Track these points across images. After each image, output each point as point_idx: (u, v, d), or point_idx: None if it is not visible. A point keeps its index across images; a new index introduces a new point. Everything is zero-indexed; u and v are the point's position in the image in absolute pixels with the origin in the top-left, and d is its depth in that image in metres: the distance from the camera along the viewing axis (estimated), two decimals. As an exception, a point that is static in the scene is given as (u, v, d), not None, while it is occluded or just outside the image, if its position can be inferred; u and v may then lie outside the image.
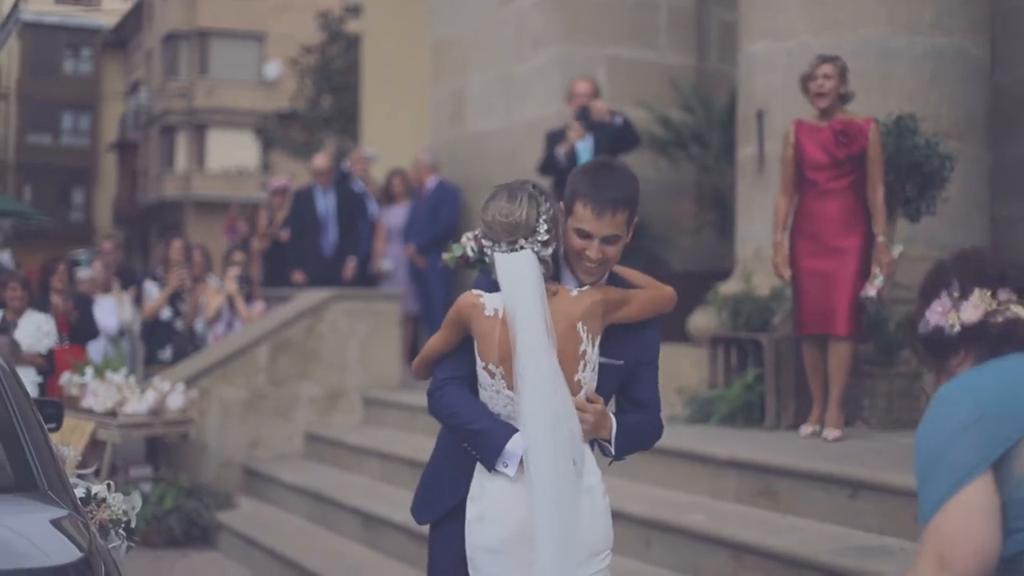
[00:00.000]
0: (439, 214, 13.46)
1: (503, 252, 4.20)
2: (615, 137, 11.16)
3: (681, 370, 9.73)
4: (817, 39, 9.07)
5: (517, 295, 4.17)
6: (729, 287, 9.58)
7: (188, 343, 13.13)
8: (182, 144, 52.22)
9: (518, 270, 4.19)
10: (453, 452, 4.49)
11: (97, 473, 9.53)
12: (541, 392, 4.12)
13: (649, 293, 4.51)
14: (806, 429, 8.17)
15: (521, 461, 4.19)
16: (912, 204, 8.21)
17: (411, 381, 12.53)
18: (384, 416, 11.59)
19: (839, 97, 8.01)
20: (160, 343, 13.19)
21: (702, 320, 9.83)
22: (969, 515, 2.80)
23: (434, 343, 4.48)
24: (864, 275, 7.90)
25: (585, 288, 4.31)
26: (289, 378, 11.78)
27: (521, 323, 4.14)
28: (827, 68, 7.93)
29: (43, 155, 61.15)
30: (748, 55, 9.84)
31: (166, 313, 13.16)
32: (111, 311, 13.25)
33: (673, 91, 12.70)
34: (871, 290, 7.81)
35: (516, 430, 4.23)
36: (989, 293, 2.97)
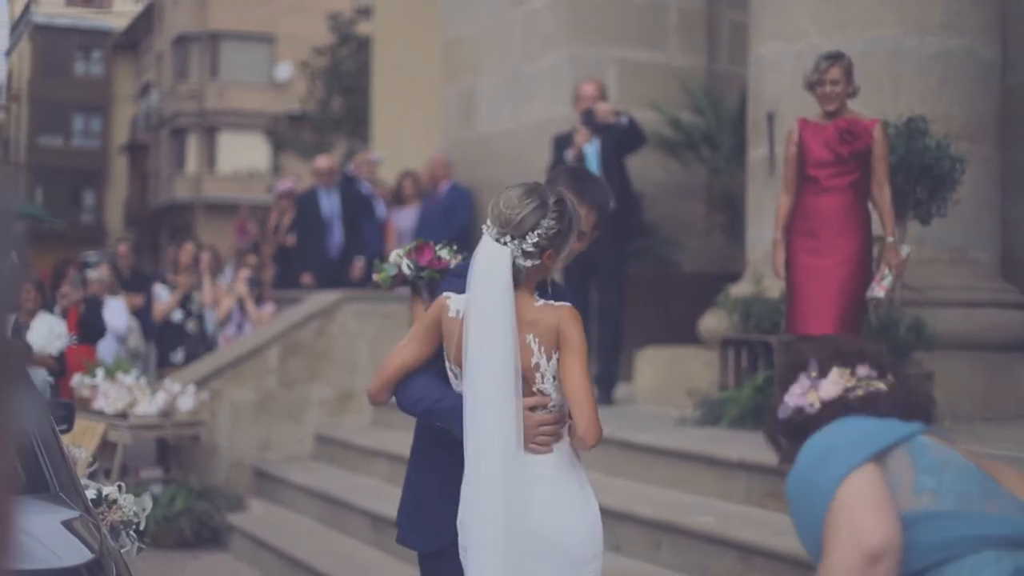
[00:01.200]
0: (453, 217, 13.45)
1: (490, 237, 4.22)
2: (621, 138, 11.15)
3: (691, 372, 9.73)
4: (827, 40, 9.06)
5: (479, 286, 4.19)
6: (739, 289, 9.58)
7: (200, 345, 13.15)
8: (193, 146, 52.29)
9: (490, 261, 4.19)
10: (437, 477, 4.53)
11: (108, 474, 9.56)
12: (485, 390, 4.13)
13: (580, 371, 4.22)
14: None
15: None
16: (923, 206, 8.20)
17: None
18: (393, 418, 11.58)
19: (846, 95, 8.01)
20: (172, 346, 13.22)
21: (712, 322, 9.83)
22: (863, 496, 2.79)
23: (397, 360, 4.46)
24: (862, 276, 7.87)
25: (551, 303, 4.25)
26: (299, 380, 11.79)
27: (478, 317, 4.15)
28: (834, 73, 7.88)
29: (54, 157, 61.23)
30: (758, 56, 9.83)
31: (177, 315, 13.18)
32: (120, 312, 13.26)
33: (683, 93, 12.70)
34: (879, 290, 7.79)
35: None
36: (848, 371, 3.04)
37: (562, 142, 11.38)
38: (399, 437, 11.06)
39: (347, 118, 30.37)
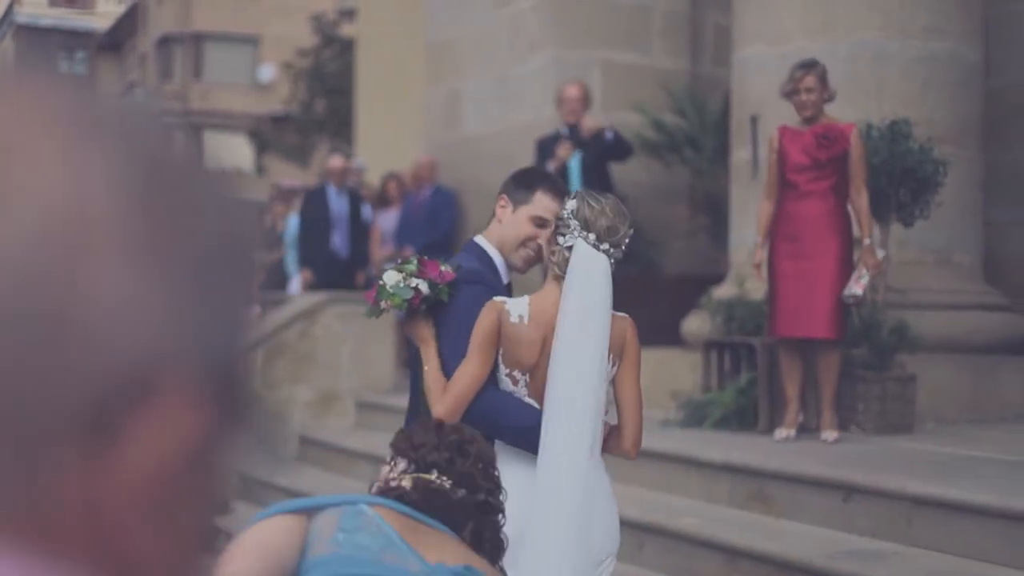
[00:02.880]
0: (438, 219, 13.44)
1: (587, 244, 4.31)
2: (606, 151, 11.17)
3: (675, 374, 9.74)
4: (811, 43, 9.08)
5: (583, 290, 4.29)
6: (723, 291, 9.59)
7: None
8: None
9: (595, 268, 4.32)
10: None
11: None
12: (580, 394, 4.21)
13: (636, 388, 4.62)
14: (781, 434, 8.17)
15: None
16: (906, 209, 8.24)
17: (404, 384, 12.50)
18: (377, 419, 11.58)
19: (822, 102, 8.05)
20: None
21: (696, 324, 9.84)
22: (253, 539, 3.13)
23: (469, 376, 4.40)
24: (844, 278, 7.91)
25: (615, 312, 4.39)
26: (283, 381, 11.77)
27: (576, 322, 4.23)
28: (808, 81, 7.95)
29: (37, 158, 61.01)
30: (742, 59, 9.85)
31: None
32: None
33: (667, 95, 12.70)
34: (856, 288, 7.82)
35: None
36: (400, 463, 3.27)
37: (545, 145, 11.38)
38: (383, 439, 11.01)
39: (330, 120, 30.32)
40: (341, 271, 13.71)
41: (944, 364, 8.79)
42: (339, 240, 13.91)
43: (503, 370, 4.36)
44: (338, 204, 13.94)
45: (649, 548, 7.19)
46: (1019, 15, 10.53)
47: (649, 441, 8.36)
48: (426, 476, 3.19)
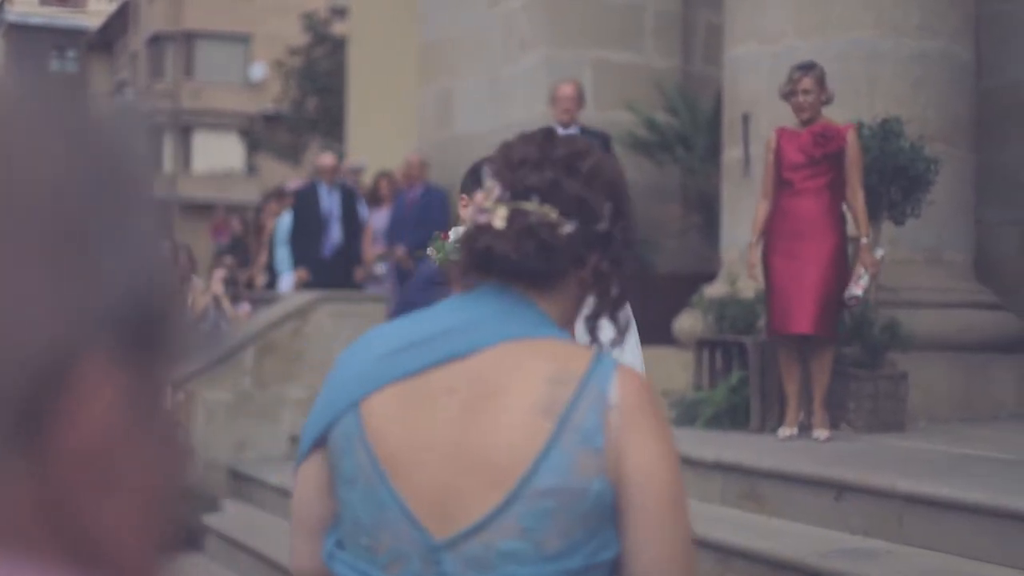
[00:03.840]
0: (429, 218, 13.43)
1: None
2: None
3: (667, 373, 9.74)
4: (804, 41, 9.09)
5: None
6: (714, 290, 9.60)
7: None
8: (167, 146, 52.15)
9: None
10: None
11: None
12: None
13: None
14: (784, 432, 8.19)
15: None
16: (897, 207, 8.25)
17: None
18: (370, 418, 11.58)
19: (820, 104, 8.07)
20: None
21: (688, 323, 9.85)
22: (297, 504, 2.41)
23: None
24: (837, 276, 7.93)
25: None
26: (275, 380, 11.76)
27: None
28: (806, 83, 7.96)
29: (28, 156, 60.96)
30: (733, 57, 9.85)
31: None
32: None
33: (659, 93, 12.71)
34: (856, 289, 7.84)
35: None
36: (492, 189, 2.30)
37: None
38: (375, 438, 11.06)
39: (322, 118, 30.33)
40: (333, 270, 13.69)
41: (936, 362, 8.80)
42: (332, 238, 13.88)
43: None
44: (329, 202, 13.91)
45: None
46: (1011, 15, 10.54)
47: (641, 440, 8.37)
48: (523, 205, 2.24)
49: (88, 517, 0.81)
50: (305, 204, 14.07)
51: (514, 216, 2.21)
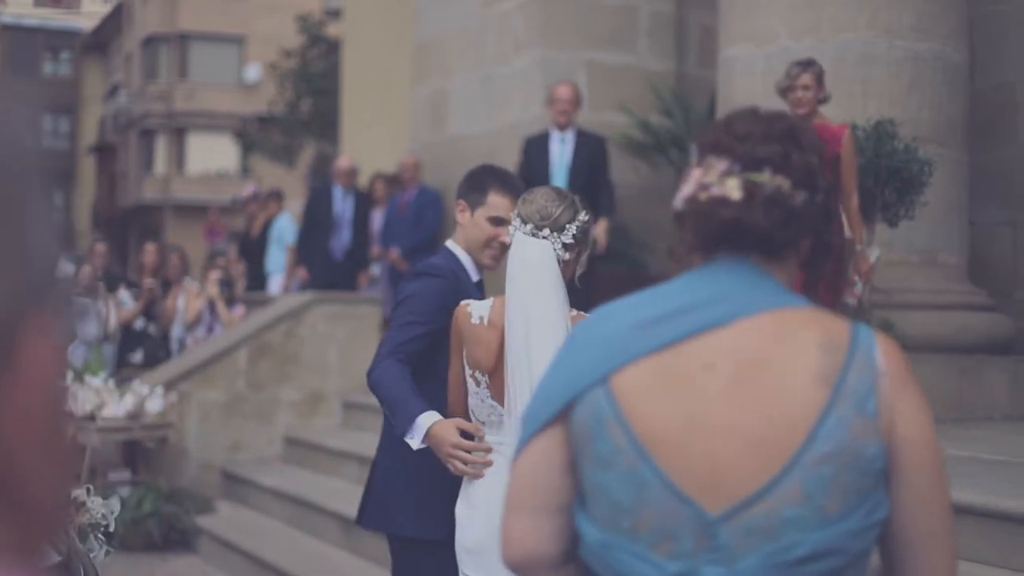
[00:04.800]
0: (423, 219, 13.45)
1: (525, 234, 4.29)
2: (593, 152, 11.28)
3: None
4: (797, 43, 9.09)
5: (524, 280, 4.24)
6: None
7: (160, 347, 13.11)
8: (161, 147, 52.11)
9: (533, 255, 4.26)
10: (427, 472, 4.59)
11: (76, 477, 9.52)
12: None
13: None
14: None
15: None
16: (891, 209, 8.24)
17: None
18: (363, 420, 11.58)
19: (817, 102, 8.05)
20: (131, 346, 13.15)
21: (682, 324, 9.84)
22: (522, 483, 2.29)
23: (451, 375, 4.53)
24: (831, 278, 7.91)
25: (582, 313, 4.30)
26: (269, 382, 11.76)
27: (525, 314, 4.19)
28: (806, 78, 7.94)
29: (22, 158, 60.82)
30: (727, 59, 9.85)
31: (139, 322, 13.12)
32: (99, 314, 13.18)
33: (653, 95, 12.72)
34: (850, 298, 7.83)
35: (429, 407, 4.35)
36: (715, 163, 2.28)
37: (532, 143, 11.40)
38: (369, 439, 11.03)
39: (316, 120, 30.29)
40: (341, 272, 13.67)
41: (930, 364, 8.80)
42: (342, 241, 13.86)
43: (467, 371, 4.40)
44: (342, 205, 13.92)
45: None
46: (1003, 15, 10.55)
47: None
48: (757, 177, 2.24)
49: (24, 468, 0.85)
50: (318, 205, 14.06)
51: (750, 187, 2.22)
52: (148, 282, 13.26)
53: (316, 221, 13.93)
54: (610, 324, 2.26)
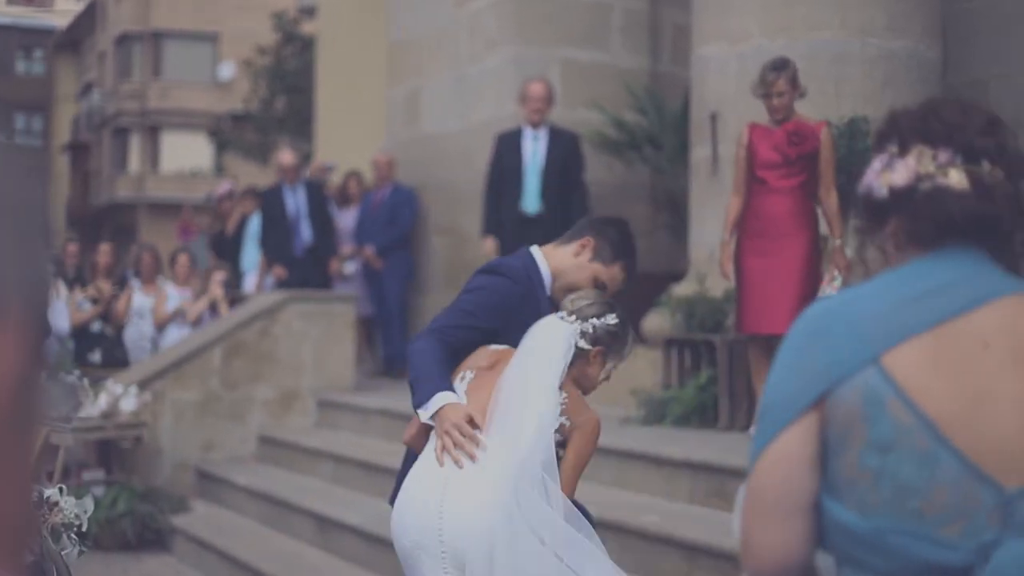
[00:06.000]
0: (397, 217, 13.43)
1: (554, 317, 4.55)
2: (566, 151, 11.32)
3: (635, 371, 9.74)
4: (771, 42, 9.11)
5: (536, 347, 4.45)
6: (683, 289, 9.62)
7: (116, 347, 13.08)
8: (135, 146, 51.98)
9: (550, 331, 4.49)
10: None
11: (50, 477, 9.49)
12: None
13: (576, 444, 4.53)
14: (753, 431, 8.20)
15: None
16: (864, 206, 8.26)
17: (365, 383, 12.52)
18: (338, 418, 11.57)
19: (793, 102, 8.08)
20: (89, 346, 13.11)
21: (656, 322, 9.86)
22: (770, 484, 2.21)
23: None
24: (811, 275, 7.94)
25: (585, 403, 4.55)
26: (243, 380, 11.74)
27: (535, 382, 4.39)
28: (781, 84, 7.94)
29: (-5, 156, 60.57)
30: (701, 57, 9.87)
31: (96, 326, 13.10)
32: (61, 313, 13.13)
33: (626, 93, 12.72)
34: (830, 291, 7.85)
35: (451, 389, 4.44)
36: (931, 152, 2.27)
37: (505, 140, 11.41)
38: (344, 438, 11.05)
39: (290, 118, 30.25)
40: (305, 268, 13.54)
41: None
42: (302, 237, 13.71)
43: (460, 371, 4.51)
44: (294, 201, 13.70)
45: (610, 545, 7.18)
46: (975, 12, 10.59)
47: (609, 438, 8.38)
48: (978, 169, 2.22)
49: None
50: (271, 205, 13.86)
51: (976, 178, 2.22)
52: (103, 285, 13.22)
53: (273, 223, 13.74)
54: (863, 305, 2.21)
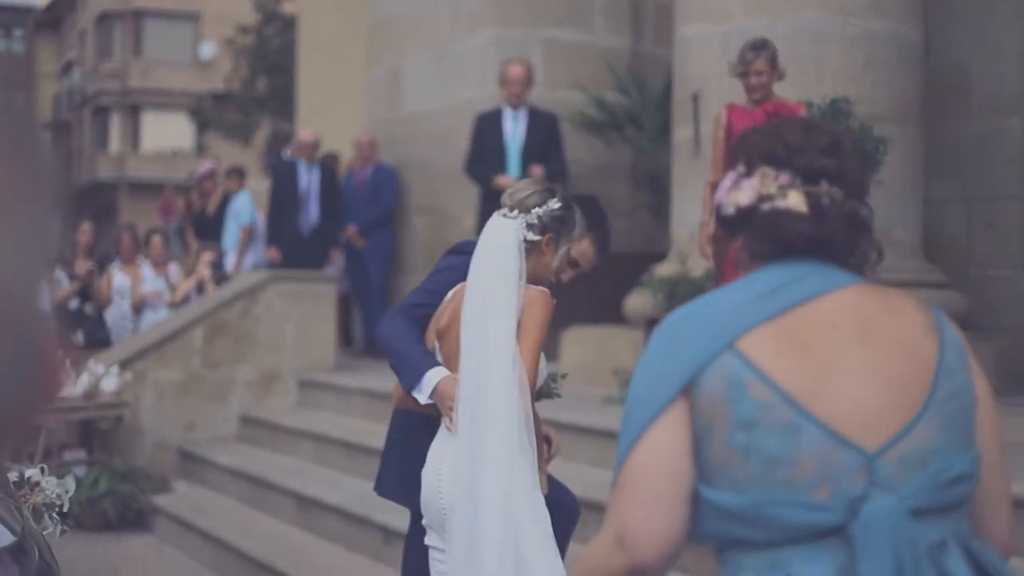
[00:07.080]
0: (379, 196, 13.41)
1: (499, 215, 4.49)
2: (546, 130, 11.33)
3: (617, 352, 9.77)
4: (753, 22, 9.10)
5: (485, 255, 4.40)
6: (664, 269, 9.62)
7: (98, 327, 13.04)
8: (116, 125, 51.84)
9: (497, 232, 4.44)
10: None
11: (31, 457, 9.48)
12: (487, 360, 4.30)
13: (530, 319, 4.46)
14: None
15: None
16: (846, 186, 8.27)
17: (346, 363, 12.51)
18: (319, 398, 11.57)
19: (772, 83, 8.08)
20: (70, 327, 13.08)
21: (638, 302, 9.87)
22: (647, 471, 2.29)
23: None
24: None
25: (530, 286, 4.45)
26: (224, 360, 11.73)
27: (481, 284, 4.37)
28: (759, 64, 7.95)
29: (-26, 136, 60.42)
30: (683, 37, 9.87)
31: (74, 303, 13.05)
32: (43, 294, 13.09)
33: (609, 73, 12.72)
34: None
35: (437, 363, 4.47)
36: (773, 174, 2.40)
37: (485, 120, 11.40)
38: (325, 418, 11.05)
39: (272, 97, 30.20)
40: (310, 248, 13.48)
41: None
42: (309, 216, 13.64)
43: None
44: (308, 180, 13.65)
45: (591, 524, 7.21)
46: (958, -6, 10.61)
47: (591, 418, 8.41)
48: (816, 189, 2.39)
49: None
50: (283, 181, 13.78)
51: (813, 200, 2.40)
52: (83, 264, 13.17)
53: (282, 199, 13.67)
54: (717, 304, 2.37)
